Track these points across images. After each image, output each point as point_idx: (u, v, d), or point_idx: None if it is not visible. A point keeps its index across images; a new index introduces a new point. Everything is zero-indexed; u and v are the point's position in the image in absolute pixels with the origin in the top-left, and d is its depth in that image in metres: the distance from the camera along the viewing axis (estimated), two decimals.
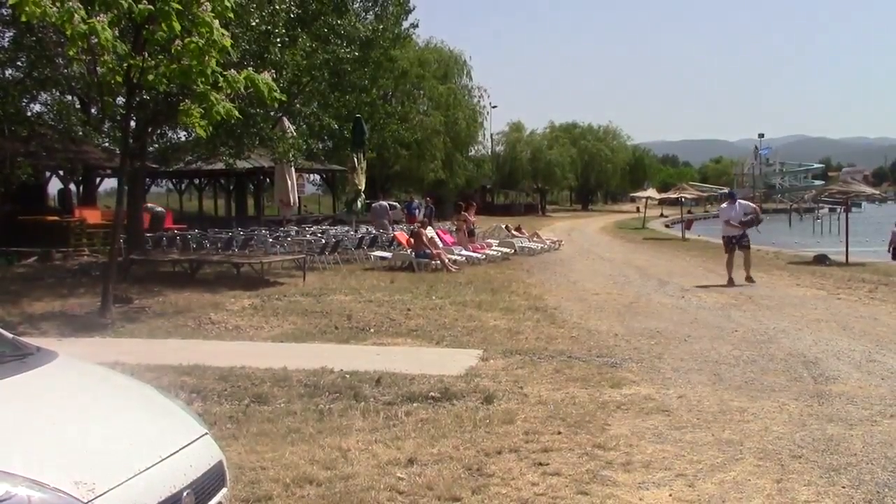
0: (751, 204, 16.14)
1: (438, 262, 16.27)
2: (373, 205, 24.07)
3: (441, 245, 17.96)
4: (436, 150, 44.58)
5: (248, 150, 16.42)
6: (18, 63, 13.96)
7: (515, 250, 20.87)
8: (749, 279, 14.10)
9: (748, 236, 14.98)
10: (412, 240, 17.41)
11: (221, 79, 8.59)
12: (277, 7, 13.19)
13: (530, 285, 14.00)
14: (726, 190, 29.33)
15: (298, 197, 23.26)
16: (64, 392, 2.87)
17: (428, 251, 16.57)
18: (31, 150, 16.39)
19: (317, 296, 11.83)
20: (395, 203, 28.06)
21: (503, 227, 26.20)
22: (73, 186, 22.93)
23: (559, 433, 5.17)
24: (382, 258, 17.25)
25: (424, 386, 6.29)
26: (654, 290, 13.53)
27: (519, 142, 68.44)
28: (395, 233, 20.14)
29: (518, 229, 25.24)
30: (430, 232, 18.35)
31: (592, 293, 12.91)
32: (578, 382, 6.57)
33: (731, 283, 14.01)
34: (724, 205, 15.57)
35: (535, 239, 23.94)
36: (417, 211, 28.37)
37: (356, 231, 20.90)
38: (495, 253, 19.51)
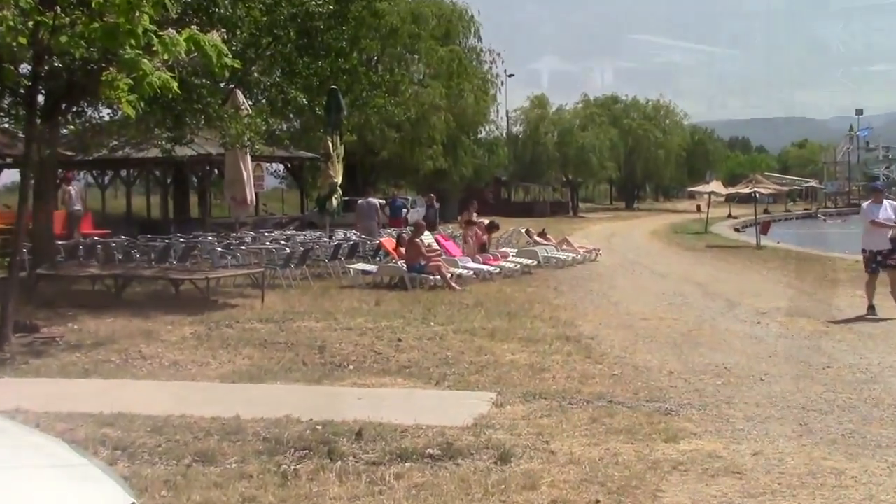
0: None
1: (438, 277, 16.28)
2: (358, 202, 24.10)
3: (442, 255, 17.97)
4: (435, 131, 44.64)
5: (191, 132, 16.47)
6: None
7: (539, 262, 20.88)
8: None
9: None
10: (403, 248, 17.42)
11: (156, 41, 8.60)
12: None
13: (558, 308, 14.02)
14: (814, 182, 29.05)
15: (256, 193, 23.30)
16: None
17: (424, 263, 16.57)
18: None
19: (279, 322, 11.86)
20: (381, 200, 28.07)
21: (523, 231, 26.22)
22: None
23: (597, 502, 5.15)
24: (365, 272, 17.27)
25: (420, 440, 6.30)
26: (721, 313, 13.55)
27: (543, 121, 68.54)
28: (381, 239, 20.16)
29: (542, 235, 25.27)
30: (427, 237, 18.36)
31: (640, 318, 12.92)
32: (622, 435, 6.58)
33: (871, 310, 13.10)
34: (868, 203, 14.41)
35: (564, 247, 23.95)
36: (404, 211, 28.37)
37: (331, 237, 20.93)
38: (513, 265, 19.51)
